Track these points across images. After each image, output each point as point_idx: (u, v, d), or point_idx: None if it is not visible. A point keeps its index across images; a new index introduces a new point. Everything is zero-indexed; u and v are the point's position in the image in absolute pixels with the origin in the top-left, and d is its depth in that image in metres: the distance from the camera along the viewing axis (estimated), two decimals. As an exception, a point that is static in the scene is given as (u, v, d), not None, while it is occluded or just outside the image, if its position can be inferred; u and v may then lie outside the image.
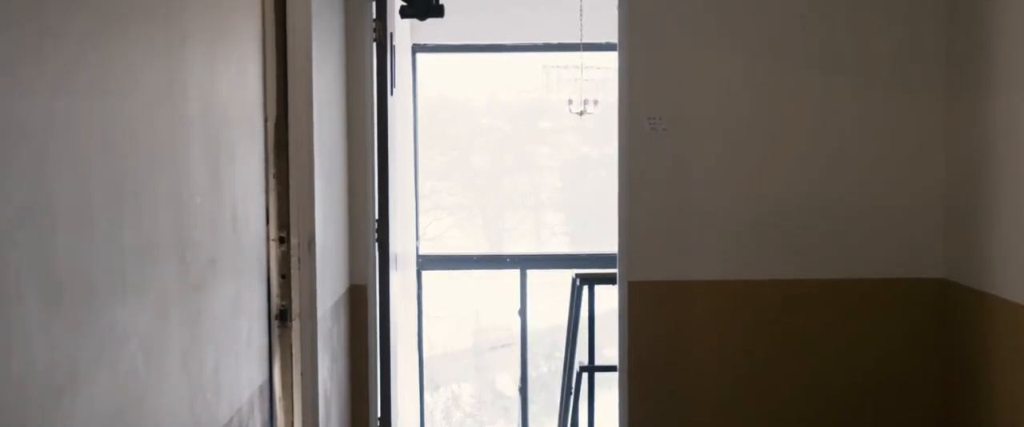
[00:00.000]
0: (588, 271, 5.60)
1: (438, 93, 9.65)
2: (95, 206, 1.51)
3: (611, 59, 5.58)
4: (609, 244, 5.34)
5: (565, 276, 6.32)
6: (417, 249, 6.25)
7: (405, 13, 4.17)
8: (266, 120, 2.65)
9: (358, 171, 4.07)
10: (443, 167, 10.99)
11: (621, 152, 4.12)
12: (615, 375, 4.33)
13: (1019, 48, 3.42)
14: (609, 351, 6.08)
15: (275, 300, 2.73)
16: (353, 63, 4.05)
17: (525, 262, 7.12)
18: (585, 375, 5.46)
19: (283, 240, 2.74)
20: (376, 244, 4.08)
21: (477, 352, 11.59)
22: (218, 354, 2.16)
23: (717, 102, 4.10)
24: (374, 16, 4.03)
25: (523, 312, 6.76)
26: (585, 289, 5.49)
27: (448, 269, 7.88)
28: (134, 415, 1.67)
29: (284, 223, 2.75)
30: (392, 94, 4.22)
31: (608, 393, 5.48)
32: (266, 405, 2.64)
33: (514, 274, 6.96)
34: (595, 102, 6.98)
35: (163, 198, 1.82)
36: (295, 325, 2.78)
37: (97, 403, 1.51)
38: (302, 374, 2.81)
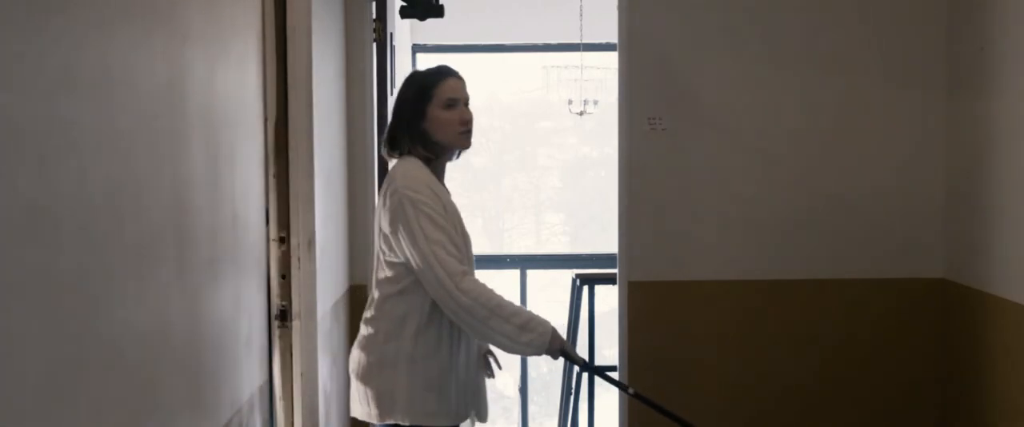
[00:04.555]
0: (588, 271, 5.60)
1: (438, 93, 9.62)
2: (95, 206, 1.51)
3: (611, 59, 5.58)
4: (609, 244, 5.34)
5: (565, 276, 6.31)
6: (417, 249, 6.25)
7: (405, 13, 4.17)
8: (266, 120, 2.65)
9: (358, 171, 4.08)
10: (443, 167, 10.98)
11: (621, 152, 4.12)
12: (615, 375, 4.33)
13: (1019, 48, 3.43)
14: (609, 351, 6.08)
15: (275, 300, 2.73)
16: (353, 63, 4.05)
17: (525, 262, 7.11)
18: (585, 375, 5.47)
19: (283, 240, 2.74)
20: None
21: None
22: (218, 354, 2.16)
23: (717, 102, 4.10)
24: (374, 16, 4.03)
25: (523, 312, 6.74)
26: (585, 289, 5.49)
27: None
28: (134, 415, 1.67)
29: (284, 223, 2.75)
30: (392, 94, 4.22)
31: (608, 393, 5.48)
32: (266, 405, 2.64)
33: (514, 274, 6.97)
34: (595, 102, 6.99)
35: (163, 198, 1.82)
36: (295, 325, 2.78)
37: (97, 403, 1.51)
38: (302, 374, 2.81)
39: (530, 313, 2.58)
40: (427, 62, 6.62)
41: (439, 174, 2.69)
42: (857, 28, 4.07)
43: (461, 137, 2.63)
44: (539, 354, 2.61)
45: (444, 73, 2.68)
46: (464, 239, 2.64)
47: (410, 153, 2.64)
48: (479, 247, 11.49)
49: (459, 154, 2.76)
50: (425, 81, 2.67)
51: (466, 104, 2.67)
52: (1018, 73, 3.43)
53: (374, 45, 4.05)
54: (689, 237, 4.11)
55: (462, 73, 2.73)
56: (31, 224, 1.31)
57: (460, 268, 2.49)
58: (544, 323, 2.55)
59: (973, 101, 3.80)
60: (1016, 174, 3.45)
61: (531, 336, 2.53)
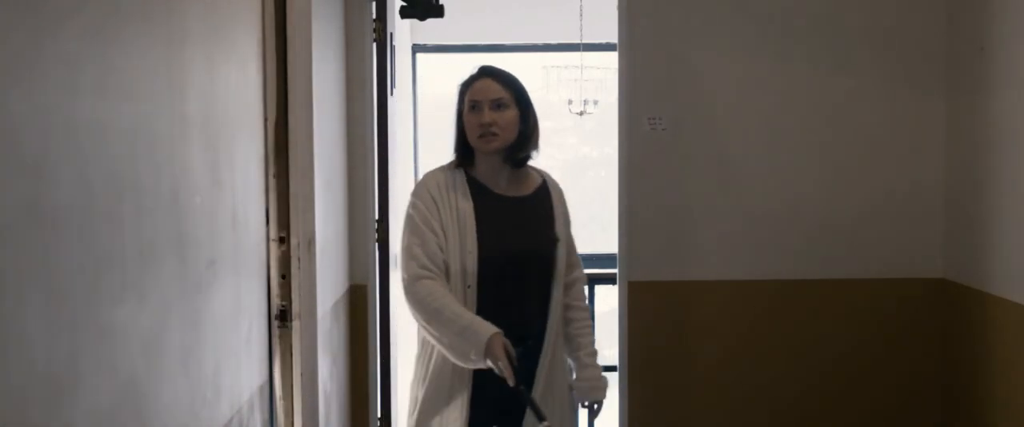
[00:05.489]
0: (588, 271, 5.59)
1: (438, 93, 9.64)
2: (95, 206, 1.51)
3: (611, 59, 5.57)
4: (609, 244, 5.33)
5: (565, 276, 6.28)
6: (417, 249, 6.24)
7: (405, 13, 4.17)
8: (266, 120, 2.65)
9: (358, 171, 4.07)
10: (443, 167, 10.96)
11: (621, 152, 4.12)
12: (615, 375, 4.33)
13: (1019, 47, 3.42)
14: (609, 351, 6.07)
15: (275, 300, 2.73)
16: (353, 63, 4.05)
17: (525, 262, 7.06)
18: (585, 375, 5.45)
19: (283, 240, 2.74)
20: (376, 244, 4.08)
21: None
22: (218, 354, 2.16)
23: (717, 102, 4.10)
24: (374, 16, 4.03)
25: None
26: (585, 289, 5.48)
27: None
28: (134, 415, 1.67)
29: (284, 223, 2.75)
30: (392, 94, 4.22)
31: (609, 392, 5.47)
32: (266, 405, 2.63)
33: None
34: (595, 102, 6.98)
35: (163, 198, 1.82)
36: (295, 325, 2.77)
37: (97, 403, 1.51)
38: (302, 374, 2.81)
39: (470, 320, 2.43)
40: (427, 62, 6.63)
41: (485, 176, 2.65)
42: (857, 28, 4.07)
43: (481, 140, 2.61)
44: (482, 366, 2.45)
45: (475, 76, 2.68)
46: (460, 244, 2.55)
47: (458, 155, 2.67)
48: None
49: (522, 151, 2.65)
50: (460, 86, 2.68)
51: (494, 106, 2.59)
52: (1018, 73, 3.43)
53: (374, 45, 4.04)
54: (689, 237, 4.11)
55: (463, 72, 2.71)
56: (31, 224, 1.31)
57: (416, 272, 2.51)
58: (480, 332, 2.39)
59: (973, 101, 3.80)
60: (1016, 174, 3.44)
61: (468, 346, 2.41)
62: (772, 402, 4.17)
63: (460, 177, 2.64)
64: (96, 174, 1.51)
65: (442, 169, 2.69)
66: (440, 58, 7.29)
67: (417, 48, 6.44)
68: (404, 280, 2.57)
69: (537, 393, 2.65)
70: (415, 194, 2.65)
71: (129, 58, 1.66)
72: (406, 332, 5.67)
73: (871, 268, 4.12)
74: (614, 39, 4.23)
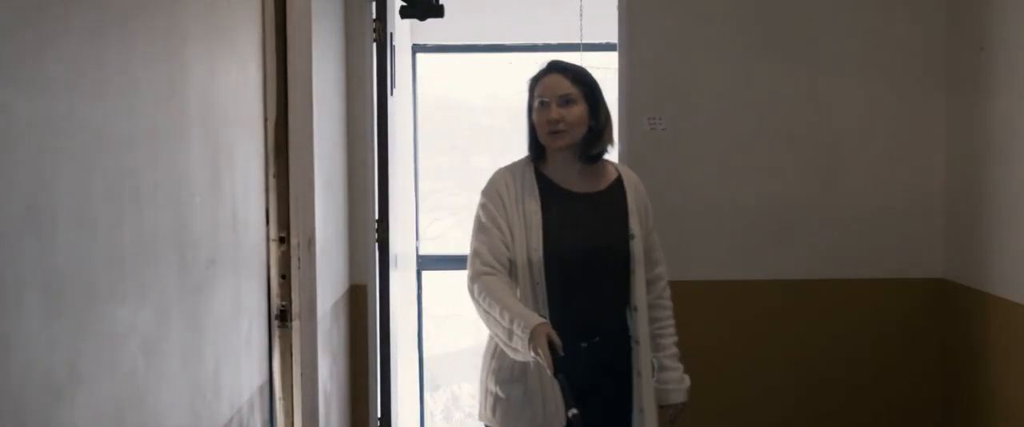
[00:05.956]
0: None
1: (438, 93, 9.64)
2: (95, 206, 1.51)
3: (611, 59, 5.57)
4: (609, 244, 5.31)
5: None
6: (417, 249, 6.24)
7: (405, 13, 4.17)
8: (266, 120, 2.65)
9: (358, 171, 4.07)
10: (443, 167, 10.96)
11: (621, 152, 4.12)
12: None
13: (1019, 48, 3.42)
14: (609, 351, 6.05)
15: (275, 300, 2.73)
16: (353, 63, 4.05)
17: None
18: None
19: (283, 240, 2.74)
20: (376, 244, 4.08)
21: (477, 352, 11.56)
22: (218, 354, 2.16)
23: (717, 102, 4.10)
24: (374, 16, 4.03)
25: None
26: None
27: (448, 269, 7.85)
28: (134, 415, 1.67)
29: (284, 223, 2.75)
30: (392, 94, 4.21)
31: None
32: (266, 405, 2.63)
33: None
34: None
35: (163, 198, 1.82)
36: (295, 325, 2.77)
37: (97, 403, 1.51)
38: (302, 374, 2.81)
39: (517, 312, 2.41)
40: (427, 62, 6.61)
41: (556, 172, 2.64)
42: (857, 28, 4.07)
43: (549, 137, 2.60)
44: (530, 358, 2.44)
45: (543, 71, 2.66)
46: (526, 243, 2.55)
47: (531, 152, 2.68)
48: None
49: (594, 148, 2.62)
50: (529, 82, 2.67)
51: (562, 102, 2.56)
52: (1018, 73, 3.43)
53: (374, 45, 4.04)
54: (689, 237, 4.11)
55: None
56: (31, 224, 1.31)
57: (478, 269, 2.54)
58: (525, 322, 2.37)
59: (973, 101, 3.80)
60: (1016, 174, 3.44)
61: (517, 341, 2.41)
62: (771, 402, 4.17)
63: (529, 174, 2.63)
64: (96, 174, 1.51)
65: (512, 167, 2.68)
66: (440, 58, 7.28)
67: (417, 48, 6.43)
68: (467, 279, 2.58)
69: (640, 391, 2.70)
70: (484, 193, 2.65)
71: (129, 58, 1.66)
72: (406, 332, 5.67)
73: (871, 268, 4.12)
74: (614, 39, 4.23)
